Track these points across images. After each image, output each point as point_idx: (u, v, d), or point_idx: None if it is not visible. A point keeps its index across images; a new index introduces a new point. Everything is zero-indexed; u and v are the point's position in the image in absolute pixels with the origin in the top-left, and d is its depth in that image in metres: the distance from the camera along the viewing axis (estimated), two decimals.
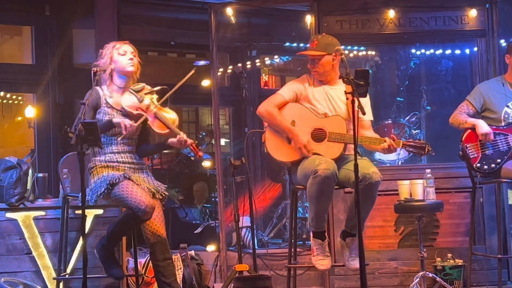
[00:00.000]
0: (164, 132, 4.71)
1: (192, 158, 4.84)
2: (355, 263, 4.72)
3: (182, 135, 4.69)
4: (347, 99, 4.32)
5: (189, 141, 4.70)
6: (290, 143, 4.84)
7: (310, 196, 4.64)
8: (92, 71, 4.69)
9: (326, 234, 4.84)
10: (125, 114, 4.72)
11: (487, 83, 5.77)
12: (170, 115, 4.79)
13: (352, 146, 4.68)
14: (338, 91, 4.87)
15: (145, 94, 4.76)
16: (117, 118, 4.64)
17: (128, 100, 4.72)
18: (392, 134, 4.75)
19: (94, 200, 4.63)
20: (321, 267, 4.81)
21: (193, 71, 4.76)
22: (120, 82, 4.80)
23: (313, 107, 4.87)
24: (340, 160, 4.74)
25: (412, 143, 4.70)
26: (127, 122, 4.57)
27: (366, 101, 4.83)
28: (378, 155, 7.41)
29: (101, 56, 4.81)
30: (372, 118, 5.02)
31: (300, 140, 4.75)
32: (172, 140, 4.74)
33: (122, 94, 4.77)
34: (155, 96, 4.80)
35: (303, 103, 4.90)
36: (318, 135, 4.80)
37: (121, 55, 4.77)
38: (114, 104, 4.75)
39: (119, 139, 4.68)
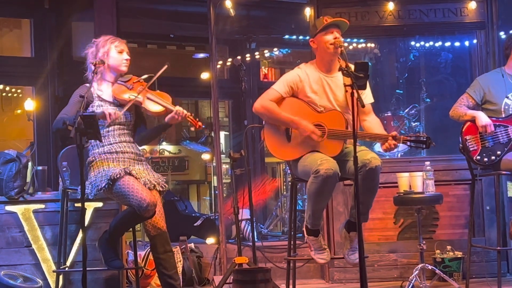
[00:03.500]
0: (160, 110, 4.79)
1: (192, 129, 4.92)
2: (355, 257, 4.71)
3: (179, 108, 4.74)
4: (346, 91, 4.30)
5: (186, 112, 4.75)
6: (290, 141, 4.78)
7: (309, 195, 4.60)
8: (91, 64, 4.73)
9: (319, 230, 4.81)
10: (118, 104, 4.80)
11: (486, 75, 5.77)
12: (161, 93, 4.88)
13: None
14: (336, 80, 4.77)
15: (134, 83, 4.86)
16: (99, 110, 4.70)
17: (118, 90, 4.81)
18: (394, 131, 4.68)
19: (94, 194, 4.65)
20: (320, 261, 4.80)
21: (166, 65, 4.81)
22: (110, 76, 4.89)
23: (311, 99, 4.77)
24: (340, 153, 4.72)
25: (413, 138, 4.63)
26: (110, 110, 4.65)
27: None
28: (378, 148, 7.41)
29: (96, 47, 4.86)
30: (372, 100, 4.92)
31: (306, 127, 4.65)
32: (169, 116, 4.77)
33: (112, 85, 4.87)
34: (144, 84, 4.88)
35: (301, 96, 4.81)
36: None
37: (119, 53, 4.84)
38: (105, 97, 4.83)
39: (105, 128, 4.73)
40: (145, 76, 4.88)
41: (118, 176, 4.58)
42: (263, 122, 4.92)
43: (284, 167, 9.93)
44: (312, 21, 6.43)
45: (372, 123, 4.85)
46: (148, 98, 4.80)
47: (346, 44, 5.18)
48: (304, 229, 4.80)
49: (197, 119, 4.83)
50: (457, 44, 8.09)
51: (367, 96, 4.85)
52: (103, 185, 4.59)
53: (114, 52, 4.83)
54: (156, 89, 4.88)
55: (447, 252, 5.98)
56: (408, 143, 4.64)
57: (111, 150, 4.74)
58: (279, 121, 4.79)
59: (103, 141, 4.72)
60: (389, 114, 7.78)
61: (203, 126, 11.89)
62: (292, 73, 4.87)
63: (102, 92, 4.86)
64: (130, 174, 4.65)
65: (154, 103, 4.80)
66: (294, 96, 4.82)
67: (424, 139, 4.61)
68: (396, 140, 4.57)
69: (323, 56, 4.80)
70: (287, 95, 4.81)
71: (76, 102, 4.75)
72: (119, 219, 4.77)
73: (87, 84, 4.85)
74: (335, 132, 4.65)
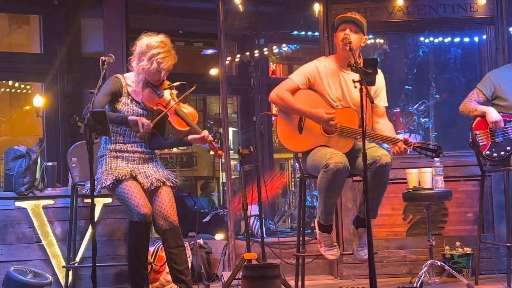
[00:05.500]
0: (185, 129, 4.72)
1: (212, 156, 4.86)
2: (364, 253, 4.70)
3: (205, 133, 4.68)
4: (355, 87, 4.29)
5: (211, 138, 4.70)
6: (301, 133, 4.79)
7: (320, 190, 4.60)
8: (100, 60, 4.67)
9: (332, 226, 4.82)
10: (144, 108, 4.75)
11: (497, 71, 5.76)
12: (190, 111, 4.80)
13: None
14: (352, 76, 4.69)
15: (164, 89, 4.77)
16: (133, 117, 4.60)
17: (148, 95, 4.73)
18: (405, 136, 4.66)
19: (98, 190, 4.65)
20: (330, 257, 4.80)
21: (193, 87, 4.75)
22: (143, 78, 4.75)
23: (326, 93, 4.77)
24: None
25: (423, 145, 4.60)
26: (145, 120, 4.55)
27: (382, 87, 4.82)
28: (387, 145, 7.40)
29: (148, 47, 4.66)
30: (386, 104, 4.92)
31: (321, 117, 4.64)
32: (193, 136, 4.72)
33: (143, 87, 4.75)
34: (174, 92, 4.81)
35: (317, 88, 4.80)
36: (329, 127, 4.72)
37: (158, 72, 4.66)
38: (134, 96, 4.76)
39: (137, 135, 4.70)
40: (177, 84, 4.78)
41: (123, 177, 4.59)
42: (278, 112, 4.91)
43: (292, 163, 9.93)
44: (321, 17, 6.44)
45: (384, 127, 4.83)
46: (177, 114, 4.73)
47: None
48: (316, 225, 4.79)
49: (219, 147, 4.79)
50: (466, 39, 8.06)
51: (382, 99, 4.86)
52: (108, 183, 4.59)
53: (155, 70, 4.65)
54: (187, 100, 4.81)
55: (456, 248, 5.96)
56: (418, 149, 4.61)
57: (123, 149, 4.73)
58: (293, 111, 4.79)
59: (118, 138, 4.72)
60: (398, 110, 7.77)
61: (211, 123, 11.92)
62: (310, 65, 4.88)
63: (133, 88, 4.77)
64: (135, 178, 4.66)
65: (180, 121, 4.73)
66: (311, 89, 4.82)
67: (435, 148, 4.58)
68: (407, 145, 4.55)
69: (339, 51, 4.81)
70: (303, 86, 4.82)
71: (106, 95, 4.66)
72: (128, 247, 4.76)
73: (119, 75, 4.78)
74: (347, 130, 4.65)
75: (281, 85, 4.86)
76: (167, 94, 4.77)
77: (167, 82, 4.81)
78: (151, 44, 4.68)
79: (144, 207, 4.54)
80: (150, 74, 4.70)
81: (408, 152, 4.66)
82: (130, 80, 4.78)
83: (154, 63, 4.64)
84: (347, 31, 4.69)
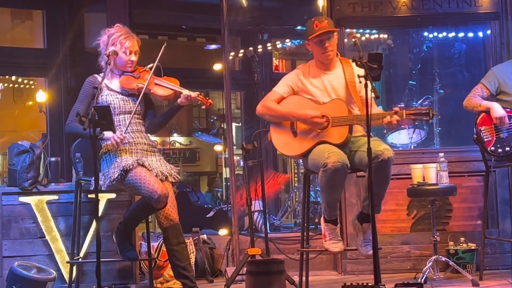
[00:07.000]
0: (169, 93, 4.86)
1: (203, 107, 5.01)
2: (369, 249, 4.69)
3: (186, 91, 4.81)
4: (359, 82, 4.27)
5: (195, 93, 4.82)
6: (296, 136, 4.78)
7: (321, 187, 4.61)
8: (105, 55, 4.76)
9: (338, 219, 4.81)
10: (127, 94, 4.87)
11: (501, 66, 5.73)
12: (169, 78, 4.94)
13: (360, 127, 4.70)
14: (336, 76, 4.78)
15: (140, 72, 4.94)
16: (107, 134, 4.67)
17: (126, 80, 4.88)
18: (395, 107, 4.63)
19: (107, 185, 4.67)
20: (334, 249, 4.78)
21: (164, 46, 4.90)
22: (116, 70, 4.95)
23: (312, 96, 4.78)
24: (349, 144, 4.70)
25: (416, 111, 4.57)
26: (116, 137, 4.63)
27: None
28: (391, 139, 7.39)
29: (108, 38, 4.89)
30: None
31: (305, 115, 4.66)
32: (180, 99, 4.84)
33: (119, 78, 4.93)
34: (150, 72, 4.95)
35: (302, 94, 4.83)
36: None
37: (127, 54, 4.86)
38: (114, 87, 4.90)
39: (115, 117, 4.77)
40: (150, 65, 4.94)
41: (131, 167, 4.60)
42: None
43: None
44: (325, 12, 6.41)
45: (372, 109, 4.80)
46: (156, 84, 4.87)
47: (358, 35, 5.14)
48: (322, 218, 4.79)
49: (207, 98, 4.91)
50: (470, 34, 8.04)
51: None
52: (116, 176, 4.61)
53: (122, 52, 4.85)
54: (163, 75, 4.94)
55: (461, 244, 5.95)
56: (411, 116, 4.59)
57: (124, 141, 4.74)
58: (280, 117, 4.81)
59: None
60: (402, 105, 7.74)
61: (215, 118, 11.91)
62: (291, 74, 4.94)
63: (110, 82, 4.92)
64: (142, 165, 4.67)
65: (163, 88, 4.88)
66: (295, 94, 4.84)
67: (427, 111, 4.55)
68: (399, 115, 4.53)
69: (319, 59, 4.86)
70: (287, 95, 4.85)
71: (86, 96, 4.83)
72: (132, 210, 4.81)
73: (95, 75, 4.91)
74: (339, 119, 4.64)
75: (265, 97, 4.91)
76: (143, 75, 4.91)
77: (140, 67, 4.96)
78: (111, 32, 4.90)
79: (158, 189, 4.56)
80: (119, 60, 4.86)
81: (401, 125, 4.63)
82: (106, 77, 4.92)
83: (118, 45, 4.84)
84: (326, 44, 4.73)
